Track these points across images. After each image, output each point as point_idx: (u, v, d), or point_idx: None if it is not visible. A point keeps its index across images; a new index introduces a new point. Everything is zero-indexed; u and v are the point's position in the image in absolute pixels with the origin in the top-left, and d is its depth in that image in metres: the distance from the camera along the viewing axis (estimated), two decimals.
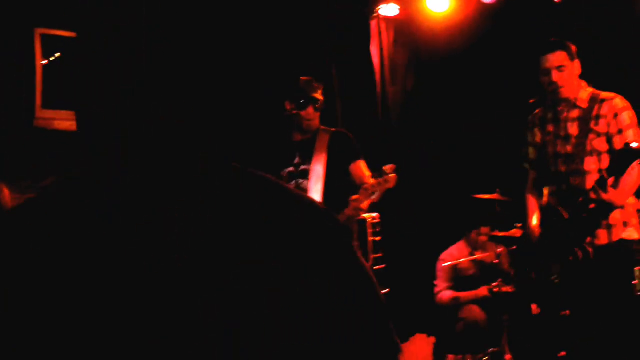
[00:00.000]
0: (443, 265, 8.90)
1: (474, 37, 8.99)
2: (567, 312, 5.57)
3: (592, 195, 5.38)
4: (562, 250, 5.50)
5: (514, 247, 8.52)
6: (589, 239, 5.50)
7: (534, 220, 5.89)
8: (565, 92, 5.61)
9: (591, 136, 5.56)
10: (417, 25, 9.20)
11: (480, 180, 8.82)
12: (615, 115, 5.54)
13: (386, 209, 6.90)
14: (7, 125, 7.81)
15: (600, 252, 5.49)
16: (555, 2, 8.32)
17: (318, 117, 6.39)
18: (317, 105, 6.30)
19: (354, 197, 5.94)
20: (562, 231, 5.53)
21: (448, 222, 9.34)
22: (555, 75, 5.59)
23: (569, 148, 5.64)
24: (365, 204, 5.99)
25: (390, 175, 5.71)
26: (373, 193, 5.77)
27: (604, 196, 5.35)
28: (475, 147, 9.34)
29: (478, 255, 8.84)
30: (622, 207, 5.48)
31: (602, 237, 5.56)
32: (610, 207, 5.43)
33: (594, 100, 5.63)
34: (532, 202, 5.98)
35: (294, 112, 6.28)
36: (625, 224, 5.60)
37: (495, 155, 8.70)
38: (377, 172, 5.79)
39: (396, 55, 9.60)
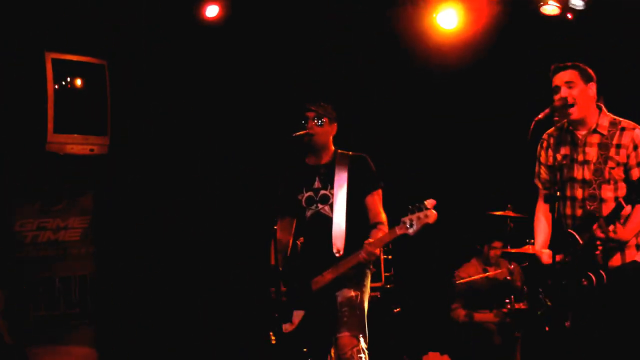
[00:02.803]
0: (457, 282, 8.89)
1: (484, 53, 8.99)
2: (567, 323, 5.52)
3: (599, 234, 5.37)
4: (576, 274, 5.47)
5: (526, 264, 8.52)
6: (602, 261, 5.47)
7: (543, 243, 5.85)
8: (576, 112, 5.55)
9: (610, 164, 5.52)
10: (428, 42, 9.19)
11: (492, 196, 8.83)
12: (635, 147, 5.50)
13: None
14: (20, 150, 7.85)
15: (613, 273, 5.46)
16: (568, 19, 8.29)
17: (327, 134, 6.30)
18: (319, 120, 6.23)
19: (368, 240, 5.88)
20: (576, 256, 5.51)
21: (461, 239, 9.33)
22: (564, 91, 5.56)
23: (586, 173, 5.60)
24: (378, 251, 5.92)
25: (431, 210, 5.62)
26: (411, 226, 5.67)
27: (612, 235, 5.35)
28: (486, 164, 9.32)
29: (491, 272, 8.82)
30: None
31: (615, 259, 5.54)
32: (618, 243, 5.43)
33: (613, 127, 5.58)
34: (542, 225, 5.93)
35: (304, 132, 6.22)
36: (638, 247, 5.57)
37: (507, 171, 8.68)
38: (417, 205, 5.67)
39: None
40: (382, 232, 5.98)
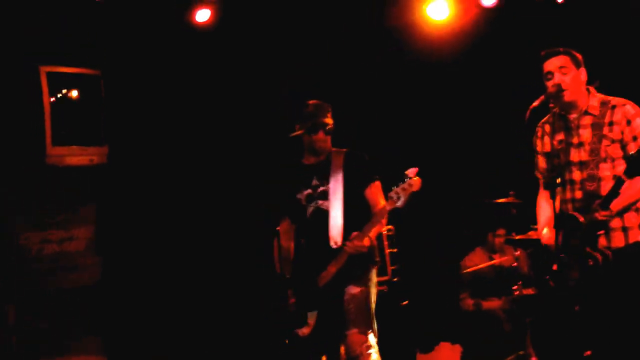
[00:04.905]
0: (463, 272, 8.88)
1: (478, 42, 8.98)
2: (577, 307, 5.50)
3: (599, 217, 5.36)
4: (580, 255, 5.46)
5: (532, 250, 8.52)
6: (605, 242, 5.48)
7: (546, 229, 5.85)
8: (569, 96, 5.56)
9: (605, 142, 5.52)
10: (419, 33, 9.18)
11: (494, 184, 8.82)
12: (629, 122, 5.50)
13: (402, 219, 6.88)
14: (20, 165, 7.87)
15: (616, 254, 5.46)
16: (558, 2, 8.28)
17: (329, 140, 6.38)
18: (327, 128, 6.30)
19: (354, 234, 5.92)
20: (579, 236, 5.50)
21: (465, 228, 9.32)
22: (558, 77, 5.57)
23: (583, 155, 5.60)
24: (366, 241, 5.94)
25: (414, 178, 5.64)
26: (399, 198, 5.67)
27: (605, 213, 5.35)
28: (486, 152, 9.32)
29: (497, 260, 8.82)
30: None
31: (618, 240, 5.54)
32: (610, 216, 5.43)
33: (604, 106, 5.60)
34: (544, 210, 5.93)
35: (305, 136, 6.27)
36: None
37: (506, 159, 8.67)
38: (400, 177, 5.68)
39: None
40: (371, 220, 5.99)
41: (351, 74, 9.32)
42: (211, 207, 8.79)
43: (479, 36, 8.82)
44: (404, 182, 5.64)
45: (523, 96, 5.81)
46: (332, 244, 6.08)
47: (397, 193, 5.66)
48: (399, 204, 5.66)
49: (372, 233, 6.00)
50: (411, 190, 5.62)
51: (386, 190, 5.89)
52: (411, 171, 5.62)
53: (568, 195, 5.70)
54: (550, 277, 5.65)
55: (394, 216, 5.95)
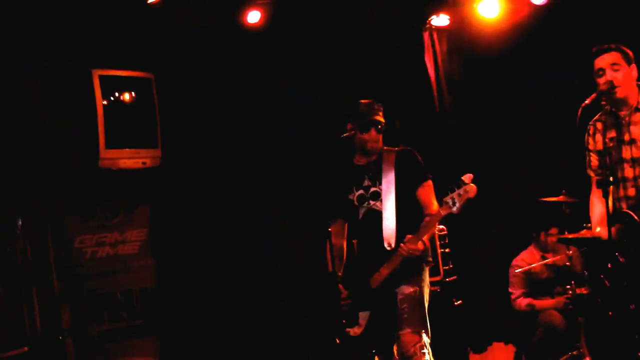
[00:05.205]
0: (516, 271, 8.83)
1: (528, 39, 8.92)
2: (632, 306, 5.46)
3: None
4: (636, 253, 5.43)
5: (585, 249, 8.45)
6: None
7: (600, 227, 5.80)
8: (621, 93, 5.54)
9: None
10: (469, 31, 9.13)
11: (545, 182, 8.76)
12: None
13: (455, 218, 6.85)
14: (74, 168, 7.95)
15: None
16: None
17: (381, 139, 6.38)
18: (379, 127, 6.29)
19: (408, 236, 5.92)
20: (635, 234, 5.46)
21: (517, 227, 9.26)
22: (610, 74, 5.54)
23: (635, 152, 5.58)
24: (420, 245, 5.92)
25: (470, 185, 5.62)
26: (454, 204, 5.67)
27: None
28: (538, 150, 9.25)
29: (550, 259, 8.75)
30: None
31: None
32: None
33: None
34: (597, 208, 5.89)
35: (358, 135, 6.26)
36: None
37: (558, 157, 8.61)
38: (456, 183, 5.67)
39: (451, 65, 9.55)
40: (425, 223, 5.98)
41: (404, 78, 9.31)
42: (264, 209, 8.81)
43: (529, 33, 8.75)
44: (459, 187, 5.62)
45: (574, 94, 5.79)
46: (385, 245, 6.07)
47: (452, 199, 5.65)
48: (454, 210, 5.65)
49: (426, 236, 5.99)
50: (467, 196, 5.60)
51: (438, 192, 5.88)
52: (467, 177, 5.60)
53: (621, 192, 5.68)
54: (605, 276, 5.62)
55: (447, 216, 5.92)
